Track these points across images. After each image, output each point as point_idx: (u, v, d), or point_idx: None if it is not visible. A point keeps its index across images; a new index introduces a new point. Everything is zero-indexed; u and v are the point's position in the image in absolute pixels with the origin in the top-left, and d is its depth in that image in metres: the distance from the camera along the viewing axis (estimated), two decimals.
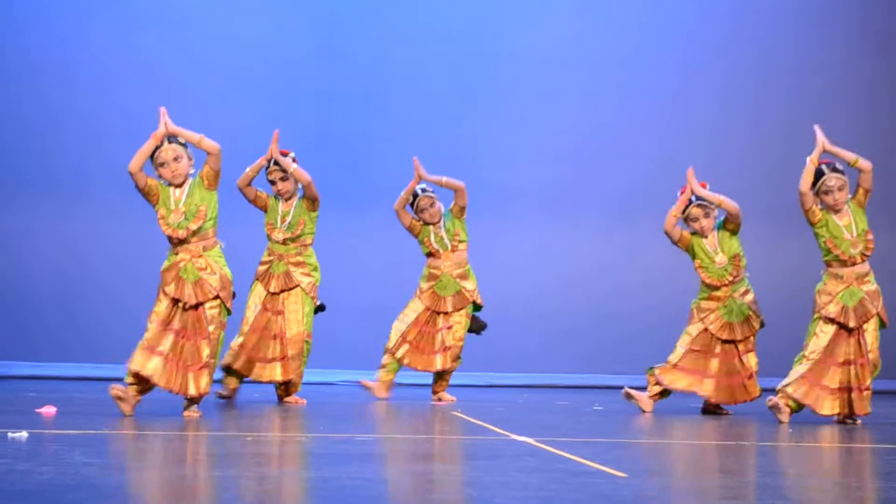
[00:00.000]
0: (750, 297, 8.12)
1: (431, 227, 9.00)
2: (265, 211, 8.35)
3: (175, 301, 6.70)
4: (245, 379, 8.37)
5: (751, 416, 7.94)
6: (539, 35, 11.97)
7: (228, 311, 6.82)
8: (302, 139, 11.42)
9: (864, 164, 7.41)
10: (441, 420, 7.44)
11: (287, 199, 8.31)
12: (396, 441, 6.08)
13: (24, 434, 5.43)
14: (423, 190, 9.00)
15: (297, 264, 8.30)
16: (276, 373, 8.25)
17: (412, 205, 9.02)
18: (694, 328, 8.10)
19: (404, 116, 11.63)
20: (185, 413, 6.72)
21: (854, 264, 7.49)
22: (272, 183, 8.29)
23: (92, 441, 5.47)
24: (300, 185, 8.26)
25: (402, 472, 4.82)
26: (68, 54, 11.35)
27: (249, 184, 8.26)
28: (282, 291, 8.27)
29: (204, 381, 6.66)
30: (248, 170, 8.22)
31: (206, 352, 6.67)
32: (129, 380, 6.63)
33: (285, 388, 8.35)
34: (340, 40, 11.74)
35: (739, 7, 12.25)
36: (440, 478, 4.58)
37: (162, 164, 6.74)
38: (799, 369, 7.46)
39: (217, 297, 6.70)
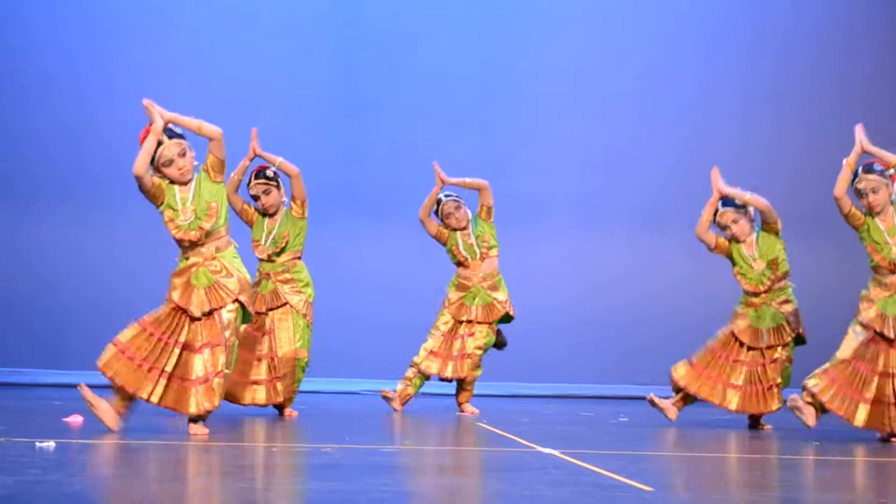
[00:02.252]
0: (789, 307, 7.86)
1: (459, 233, 8.74)
2: (251, 226, 7.94)
3: (181, 310, 6.18)
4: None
5: (779, 429, 7.91)
6: (566, 47, 11.96)
7: (247, 317, 6.33)
8: (329, 151, 11.48)
9: None
10: (466, 431, 7.43)
11: (272, 215, 7.88)
12: (422, 453, 6.08)
13: (51, 444, 5.45)
14: (447, 195, 8.75)
15: (286, 281, 7.87)
16: (261, 396, 7.76)
17: (437, 212, 8.78)
18: (721, 331, 7.94)
19: (432, 127, 11.63)
20: (191, 428, 6.21)
21: None
22: (255, 198, 7.85)
23: (119, 450, 5.48)
24: (285, 199, 7.89)
25: (428, 484, 4.82)
26: (82, 68, 11.40)
27: (236, 191, 7.82)
28: (268, 311, 7.83)
29: (215, 393, 6.11)
30: (233, 174, 7.69)
31: (221, 359, 6.12)
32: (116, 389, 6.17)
33: (279, 406, 7.95)
34: (366, 51, 11.75)
35: (763, 18, 12.22)
36: (466, 490, 4.58)
37: (167, 164, 6.15)
38: (824, 366, 7.12)
39: (235, 300, 6.19)
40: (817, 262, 11.77)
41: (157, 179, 6.17)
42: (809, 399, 7.10)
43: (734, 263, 7.90)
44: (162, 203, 6.21)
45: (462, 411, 8.81)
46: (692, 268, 11.69)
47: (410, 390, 8.80)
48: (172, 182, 6.21)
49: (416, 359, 8.76)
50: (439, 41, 11.85)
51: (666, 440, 7.08)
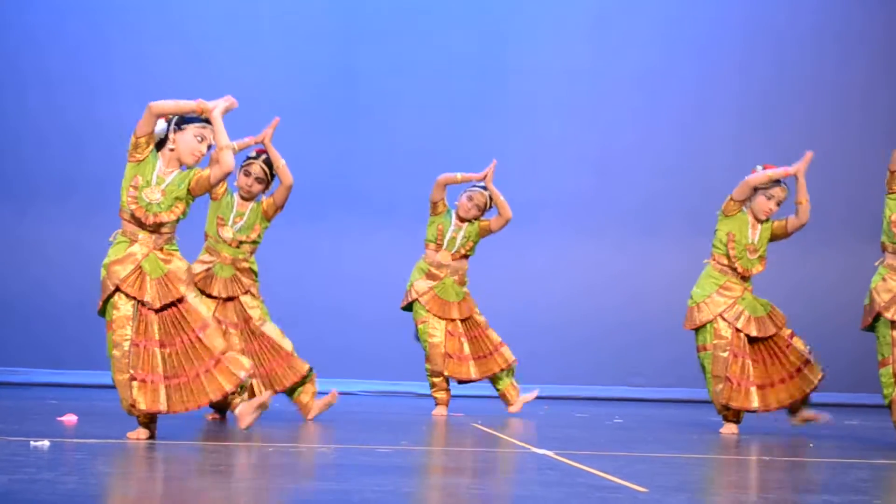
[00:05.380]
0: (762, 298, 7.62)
1: (454, 222, 8.64)
2: (214, 199, 7.49)
3: (138, 302, 5.73)
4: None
5: (777, 430, 7.91)
6: (558, 49, 11.98)
7: None
8: (326, 150, 11.48)
9: None
10: (461, 432, 7.44)
11: (245, 200, 7.51)
12: (417, 453, 6.08)
13: (46, 443, 5.45)
14: (484, 188, 8.62)
15: (244, 271, 7.48)
16: (286, 379, 7.39)
17: (462, 190, 8.64)
18: (720, 335, 7.49)
19: (428, 127, 11.64)
20: (237, 409, 5.92)
21: None
22: (246, 175, 7.46)
23: (114, 450, 5.48)
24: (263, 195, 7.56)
25: (423, 485, 4.83)
26: (87, 68, 11.41)
27: None
28: (227, 300, 7.43)
29: (231, 369, 5.73)
30: (234, 142, 6.99)
31: (217, 341, 5.75)
32: (142, 419, 5.81)
33: (302, 388, 7.52)
34: (362, 52, 11.76)
35: (758, 20, 12.24)
36: (460, 491, 4.58)
37: (199, 137, 5.80)
38: None
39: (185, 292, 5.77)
40: (813, 263, 11.80)
41: (153, 141, 5.81)
42: None
43: (730, 229, 7.52)
44: (137, 163, 5.79)
45: (520, 405, 8.73)
46: (684, 269, 11.67)
47: (445, 395, 8.71)
48: (160, 156, 5.84)
49: (437, 368, 8.60)
50: (434, 42, 11.86)
51: (660, 441, 7.08)
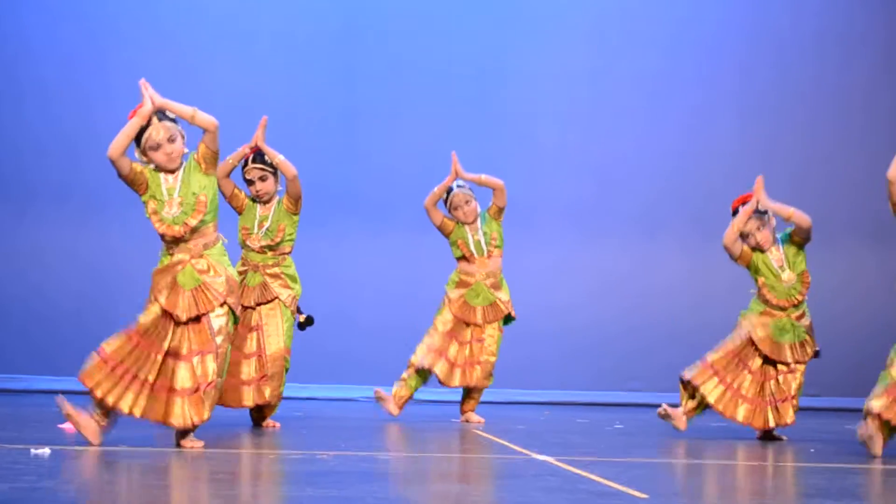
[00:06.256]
0: (807, 321, 7.56)
1: (467, 227, 8.50)
2: (240, 212, 7.54)
3: (167, 314, 5.81)
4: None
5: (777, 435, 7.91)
6: (560, 53, 11.98)
7: (236, 319, 5.97)
8: (324, 155, 11.48)
9: None
10: (462, 438, 7.43)
11: (265, 203, 7.50)
12: (418, 459, 6.08)
13: (46, 451, 5.45)
14: (459, 186, 8.49)
15: (274, 276, 7.48)
16: (248, 398, 7.40)
17: (445, 202, 8.51)
18: (737, 334, 7.52)
19: (428, 132, 11.63)
20: (183, 442, 5.86)
21: None
22: (249, 183, 7.48)
23: (114, 457, 5.48)
24: (279, 188, 7.55)
25: (424, 491, 4.82)
26: (80, 73, 11.43)
27: (228, 175, 7.41)
28: (258, 305, 7.45)
29: (207, 404, 5.78)
30: (228, 158, 7.28)
31: (212, 367, 5.77)
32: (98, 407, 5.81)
33: (259, 410, 7.56)
34: (361, 57, 11.77)
35: (760, 24, 12.24)
36: (461, 497, 4.58)
37: (154, 147, 5.78)
38: (882, 383, 6.39)
39: (224, 303, 5.83)
40: (813, 267, 11.76)
41: (138, 166, 5.83)
42: (876, 424, 6.37)
43: (759, 275, 7.53)
44: (145, 192, 5.83)
45: (467, 420, 8.52)
46: (686, 274, 11.70)
47: (405, 391, 8.46)
48: (158, 169, 5.85)
49: (413, 358, 8.44)
50: (434, 47, 11.87)
51: (661, 447, 7.08)
